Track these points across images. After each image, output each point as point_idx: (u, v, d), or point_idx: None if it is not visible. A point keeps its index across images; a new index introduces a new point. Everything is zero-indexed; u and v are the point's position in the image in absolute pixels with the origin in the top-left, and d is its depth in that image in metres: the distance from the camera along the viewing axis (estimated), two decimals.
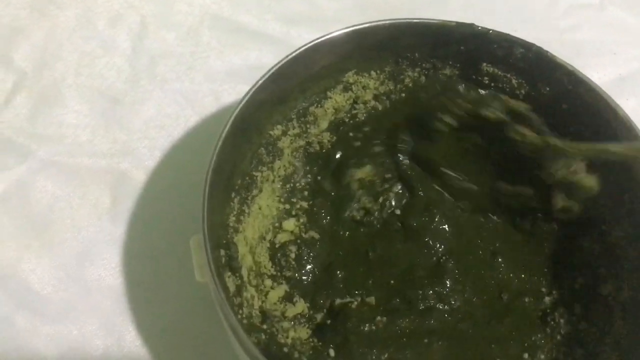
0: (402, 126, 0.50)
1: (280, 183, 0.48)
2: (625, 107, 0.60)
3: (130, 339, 0.47)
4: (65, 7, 0.62)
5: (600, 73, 0.62)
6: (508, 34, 0.44)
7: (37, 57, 0.59)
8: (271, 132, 0.46)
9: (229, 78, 0.60)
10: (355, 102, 0.48)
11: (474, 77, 0.47)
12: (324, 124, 0.48)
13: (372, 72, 0.48)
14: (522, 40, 0.43)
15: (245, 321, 0.39)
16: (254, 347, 0.34)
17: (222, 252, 0.40)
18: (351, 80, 0.47)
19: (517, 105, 0.45)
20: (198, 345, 0.47)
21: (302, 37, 0.62)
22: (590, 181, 0.42)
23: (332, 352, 0.43)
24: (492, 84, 0.46)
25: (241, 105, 0.41)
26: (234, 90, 0.59)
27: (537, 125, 0.44)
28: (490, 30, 0.44)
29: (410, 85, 0.48)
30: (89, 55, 0.59)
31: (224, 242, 0.41)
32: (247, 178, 0.45)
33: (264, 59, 0.61)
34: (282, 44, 0.62)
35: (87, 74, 0.58)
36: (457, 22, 0.44)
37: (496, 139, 0.46)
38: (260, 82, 0.42)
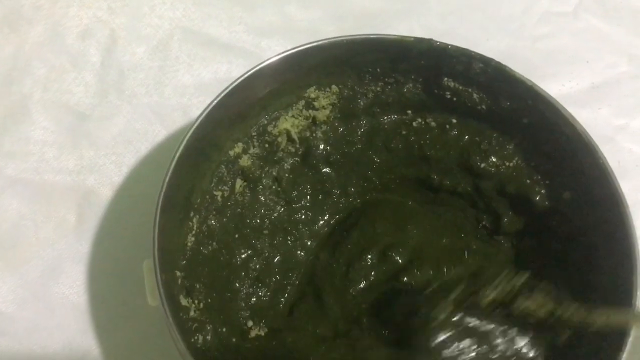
0: None
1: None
2: (597, 116, 0.61)
3: (94, 357, 0.47)
4: (35, 21, 0.62)
5: (573, 82, 0.62)
6: (467, 49, 0.43)
7: (5, 72, 0.58)
8: (231, 151, 0.45)
9: (198, 92, 0.59)
10: (314, 120, 0.48)
11: (436, 91, 0.46)
12: (284, 141, 0.47)
13: (334, 87, 0.47)
14: (480, 55, 0.43)
15: (199, 345, 0.39)
16: None
17: (178, 273, 0.40)
18: (312, 96, 0.47)
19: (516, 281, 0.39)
20: None
21: (273, 49, 0.62)
22: None
23: None
24: (455, 99, 0.46)
25: (196, 124, 0.41)
26: (203, 105, 0.56)
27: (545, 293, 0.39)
28: (449, 45, 0.43)
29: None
30: (57, 70, 0.59)
31: (181, 262, 0.41)
32: (208, 197, 0.45)
33: (234, 72, 0.60)
34: (253, 56, 0.61)
35: (55, 90, 0.58)
36: (415, 38, 0.43)
37: None
38: (216, 100, 0.42)
